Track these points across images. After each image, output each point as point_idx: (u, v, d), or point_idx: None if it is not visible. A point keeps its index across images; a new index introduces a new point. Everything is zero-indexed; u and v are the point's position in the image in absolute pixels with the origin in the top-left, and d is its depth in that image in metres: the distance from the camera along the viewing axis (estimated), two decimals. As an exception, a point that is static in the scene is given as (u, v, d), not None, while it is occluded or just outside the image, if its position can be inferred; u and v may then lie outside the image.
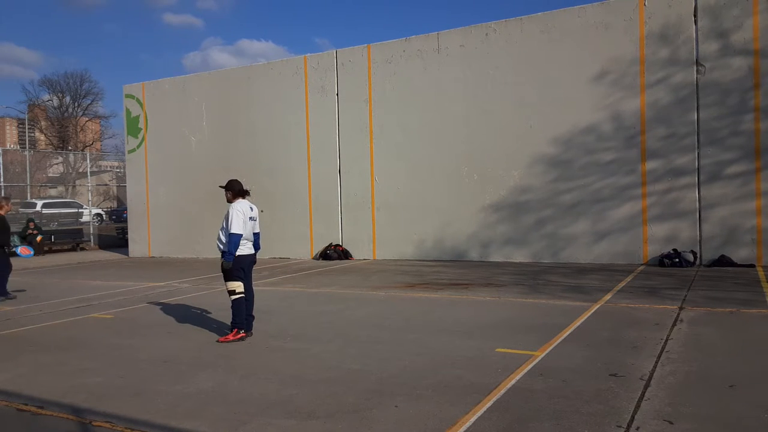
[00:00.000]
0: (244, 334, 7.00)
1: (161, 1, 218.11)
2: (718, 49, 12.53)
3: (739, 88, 12.36)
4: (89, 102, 57.24)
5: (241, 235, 6.93)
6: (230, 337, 6.96)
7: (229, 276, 7.01)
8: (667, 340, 6.33)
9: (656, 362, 5.52)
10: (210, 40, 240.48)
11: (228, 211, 6.99)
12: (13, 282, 11.28)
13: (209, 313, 8.91)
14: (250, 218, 7.11)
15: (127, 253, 20.72)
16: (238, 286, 7.01)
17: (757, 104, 12.20)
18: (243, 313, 7.03)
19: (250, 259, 7.21)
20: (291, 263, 15.99)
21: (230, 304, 7.09)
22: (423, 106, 15.51)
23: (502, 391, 4.84)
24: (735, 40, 12.37)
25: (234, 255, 6.91)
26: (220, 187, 7.36)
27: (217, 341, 6.94)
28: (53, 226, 26.36)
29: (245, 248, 7.07)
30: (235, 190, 7.16)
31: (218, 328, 7.74)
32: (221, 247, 7.02)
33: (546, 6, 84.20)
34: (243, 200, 7.15)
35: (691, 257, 12.50)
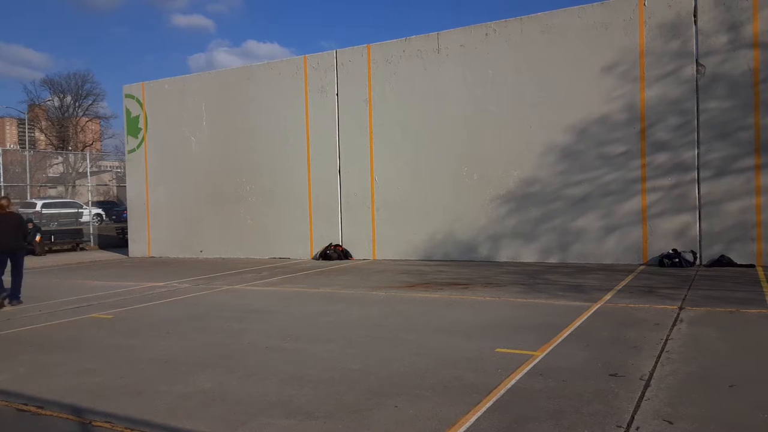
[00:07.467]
0: None
1: (170, 3, 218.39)
2: (719, 48, 12.51)
3: (741, 85, 12.34)
4: (90, 102, 57.34)
5: None
6: None
7: None
8: (667, 340, 6.33)
9: (656, 362, 5.52)
10: (216, 42, 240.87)
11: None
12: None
13: (210, 312, 8.91)
14: None
15: (127, 253, 20.71)
16: None
17: (756, 103, 12.19)
18: None
19: None
20: (291, 263, 15.99)
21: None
22: (423, 106, 15.50)
23: (502, 391, 4.84)
24: (736, 37, 12.35)
25: None
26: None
27: None
28: (53, 226, 26.35)
29: None
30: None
31: (219, 328, 7.74)
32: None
33: (546, 6, 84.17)
34: None
35: (691, 257, 12.50)
